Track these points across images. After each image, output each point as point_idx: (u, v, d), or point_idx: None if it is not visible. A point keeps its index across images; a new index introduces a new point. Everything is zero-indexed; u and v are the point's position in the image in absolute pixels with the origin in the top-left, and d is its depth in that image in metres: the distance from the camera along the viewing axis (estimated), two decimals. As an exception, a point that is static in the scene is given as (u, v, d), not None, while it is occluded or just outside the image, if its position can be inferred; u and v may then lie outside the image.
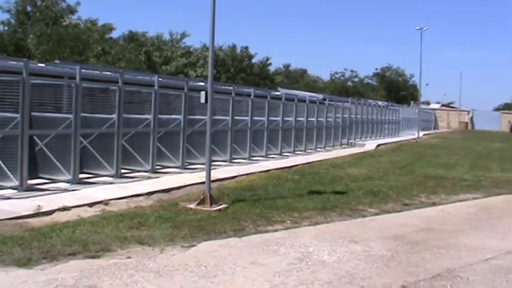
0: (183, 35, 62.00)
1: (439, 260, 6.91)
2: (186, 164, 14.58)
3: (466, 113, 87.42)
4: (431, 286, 5.87)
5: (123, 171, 12.58)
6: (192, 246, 6.98)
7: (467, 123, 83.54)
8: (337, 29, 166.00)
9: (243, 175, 13.98)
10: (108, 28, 46.11)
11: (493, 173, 17.54)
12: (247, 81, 57.97)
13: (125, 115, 12.46)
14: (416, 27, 45.53)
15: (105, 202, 9.48)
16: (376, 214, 9.83)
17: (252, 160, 17.71)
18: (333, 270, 6.26)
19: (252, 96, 18.78)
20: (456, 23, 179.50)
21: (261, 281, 5.75)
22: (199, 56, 58.96)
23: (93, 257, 6.28)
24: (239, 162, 16.73)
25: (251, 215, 8.99)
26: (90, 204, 9.21)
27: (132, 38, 54.32)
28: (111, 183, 11.42)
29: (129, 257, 6.35)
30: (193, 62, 58.42)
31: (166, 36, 60.41)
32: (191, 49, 61.70)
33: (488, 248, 7.66)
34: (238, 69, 63.06)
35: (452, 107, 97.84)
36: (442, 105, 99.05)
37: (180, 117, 14.48)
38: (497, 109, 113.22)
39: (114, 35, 50.49)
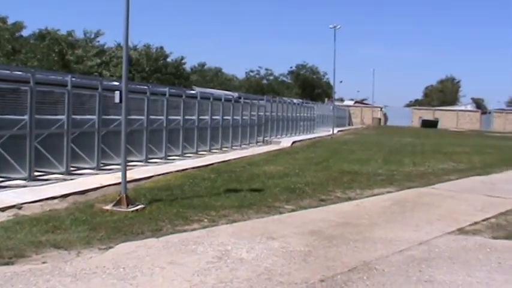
0: (97, 34, 61.04)
1: (356, 253, 7.04)
2: (102, 165, 14.32)
3: (379, 109, 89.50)
4: (348, 279, 5.97)
5: (36, 173, 12.22)
6: (110, 248, 6.85)
7: (380, 119, 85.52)
8: (252, 28, 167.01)
9: (159, 175, 13.85)
10: (19, 26, 44.84)
11: (405, 167, 18.01)
12: (162, 80, 57.52)
13: (37, 116, 12.10)
14: (330, 26, 46.25)
15: (18, 206, 9.17)
16: (293, 210, 9.92)
17: (168, 160, 17.57)
18: (251, 267, 6.27)
19: (167, 96, 18.63)
20: (369, 21, 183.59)
21: (180, 281, 5.71)
22: (113, 55, 58.14)
23: (6, 264, 6.06)
24: (155, 162, 16.57)
25: (168, 215, 8.91)
26: (2, 209, 8.89)
27: (43, 36, 53.00)
28: (24, 186, 11.08)
29: (44, 262, 6.17)
30: (107, 61, 57.56)
31: (80, 35, 59.33)
32: (105, 48, 60.79)
33: (402, 240, 7.86)
34: (153, 69, 62.49)
35: (366, 104, 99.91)
36: (356, 102, 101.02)
37: (95, 117, 14.21)
38: (408, 105, 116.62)
39: (25, 33, 49.27)
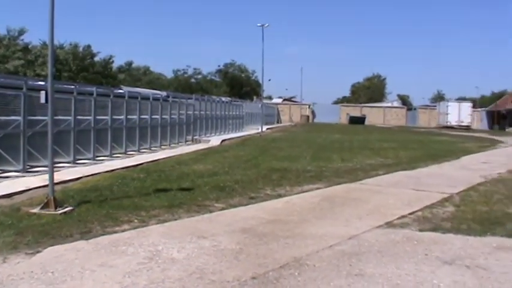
0: (21, 32, 59.53)
1: (287, 249, 7.09)
2: (28, 167, 13.97)
3: (307, 106, 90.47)
4: (280, 275, 6.01)
5: (-43, 178, 11.87)
6: (38, 252, 6.69)
7: (308, 116, 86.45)
8: (180, 26, 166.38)
9: (88, 176, 13.63)
10: None
11: (334, 164, 18.24)
12: (90, 80, 56.68)
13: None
14: (258, 24, 46.45)
15: None
16: (224, 209, 9.91)
17: (96, 160, 17.31)
18: (183, 267, 6.24)
19: (95, 95, 18.36)
20: (297, 20, 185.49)
21: (111, 283, 5.63)
22: (38, 54, 56.83)
23: None
24: (84, 163, 16.29)
25: (98, 217, 8.77)
26: None
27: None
28: None
29: (-33, 269, 5.99)
30: (32, 60, 56.23)
31: (2, 32, 57.76)
32: (30, 46, 59.37)
33: (332, 235, 7.95)
34: (80, 68, 61.47)
35: (294, 101, 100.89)
36: (284, 100, 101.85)
37: (20, 118, 13.86)
38: (336, 102, 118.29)
39: None
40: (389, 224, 8.88)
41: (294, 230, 8.23)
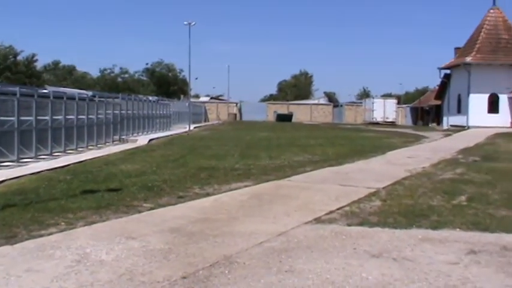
0: None
1: (216, 248, 7.08)
2: None
3: (235, 104, 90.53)
4: (210, 274, 6.00)
5: None
6: (-42, 259, 6.49)
7: (236, 114, 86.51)
8: (106, 25, 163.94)
9: (12, 179, 13.30)
10: None
11: (262, 161, 18.33)
12: (13, 80, 55.27)
13: None
14: (185, 22, 46.24)
15: None
16: (152, 209, 9.83)
17: (21, 162, 16.91)
18: (112, 269, 6.16)
19: (18, 95, 17.93)
20: (224, 18, 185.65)
21: (37, 288, 5.51)
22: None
23: None
24: (7, 166, 15.90)
25: (23, 220, 8.56)
26: None
27: None
28: None
29: None
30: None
31: None
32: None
33: (261, 232, 7.99)
34: (2, 67, 59.84)
35: (222, 100, 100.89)
36: (212, 98, 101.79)
37: None
38: (263, 100, 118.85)
39: None
40: (318, 220, 8.98)
41: (223, 228, 8.22)
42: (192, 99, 66.94)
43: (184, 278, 5.87)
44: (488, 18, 59.02)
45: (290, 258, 6.67)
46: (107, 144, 25.95)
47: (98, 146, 24.65)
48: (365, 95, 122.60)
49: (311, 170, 15.94)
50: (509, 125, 53.82)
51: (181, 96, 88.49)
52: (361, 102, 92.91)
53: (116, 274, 5.96)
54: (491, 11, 59.46)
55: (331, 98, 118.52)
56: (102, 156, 19.98)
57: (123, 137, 29.27)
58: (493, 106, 56.03)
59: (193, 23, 46.24)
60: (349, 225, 8.65)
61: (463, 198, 11.43)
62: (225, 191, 11.93)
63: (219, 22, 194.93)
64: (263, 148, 24.76)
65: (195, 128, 46.41)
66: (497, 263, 6.73)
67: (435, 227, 8.64)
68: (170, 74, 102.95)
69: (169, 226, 8.33)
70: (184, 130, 40.90)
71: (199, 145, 26.58)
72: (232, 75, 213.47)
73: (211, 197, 11.16)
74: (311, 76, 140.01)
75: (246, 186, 12.75)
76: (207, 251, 6.91)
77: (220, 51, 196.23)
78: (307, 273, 6.08)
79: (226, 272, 6.09)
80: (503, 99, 55.91)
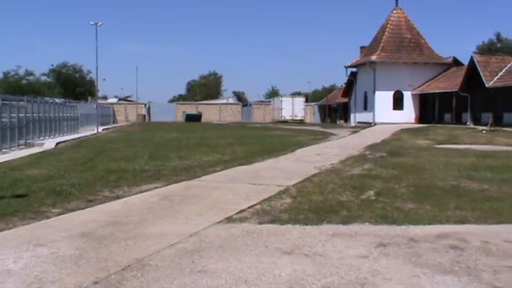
0: None
1: (128, 251, 6.98)
2: None
3: (143, 105, 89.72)
4: (122, 278, 5.91)
5: None
6: None
7: (145, 115, 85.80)
8: (9, 24, 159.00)
9: None
10: None
11: (171, 162, 18.20)
12: None
13: None
14: (91, 23, 45.35)
15: None
16: (61, 214, 9.57)
17: None
18: (20, 278, 5.96)
19: None
20: (132, 18, 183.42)
21: None
22: None
23: None
24: None
25: None
26: None
27: None
28: None
29: None
30: None
31: None
32: None
33: (173, 233, 7.93)
34: None
35: (130, 101, 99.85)
36: (120, 100, 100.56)
37: None
38: (172, 100, 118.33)
39: None
40: (229, 219, 8.99)
41: (135, 231, 8.12)
42: (100, 101, 65.80)
43: (95, 283, 5.75)
44: (392, 18, 60.92)
45: (203, 258, 6.65)
46: (12, 148, 25.14)
47: (3, 150, 23.84)
48: (274, 93, 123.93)
49: (221, 170, 15.95)
50: (413, 121, 55.70)
51: (89, 98, 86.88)
52: (269, 101, 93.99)
53: (24, 283, 5.78)
54: (395, 11, 61.42)
55: (240, 97, 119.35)
56: (6, 161, 19.34)
57: (29, 141, 28.42)
58: (398, 103, 57.91)
59: (100, 23, 45.44)
60: (260, 223, 8.70)
61: (371, 193, 11.70)
62: (135, 193, 11.77)
63: (127, 23, 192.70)
64: (173, 149, 24.61)
65: (103, 130, 45.68)
66: (405, 254, 6.93)
67: (345, 222, 8.80)
68: (77, 76, 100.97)
69: (79, 231, 8.15)
70: (93, 132, 40.18)
71: (108, 147, 26.15)
72: (141, 76, 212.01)
73: (121, 200, 10.99)
74: (220, 76, 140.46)
75: (156, 187, 12.62)
76: (118, 255, 6.80)
77: (128, 51, 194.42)
78: (220, 273, 6.08)
79: (139, 275, 6.01)
80: (407, 96, 57.87)
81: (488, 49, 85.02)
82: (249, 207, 9.93)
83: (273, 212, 9.61)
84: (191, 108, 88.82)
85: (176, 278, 5.93)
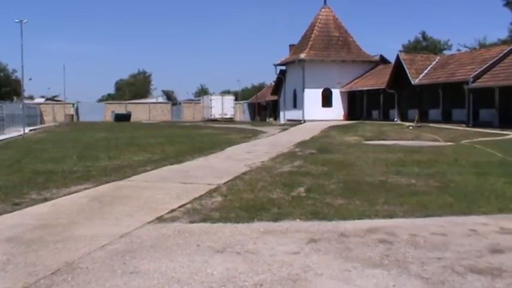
0: None
1: (57, 255, 6.85)
2: None
3: (72, 105, 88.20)
4: (52, 282, 5.80)
5: None
6: None
7: (73, 115, 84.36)
8: None
9: None
10: None
11: (101, 162, 17.95)
12: None
13: None
14: (16, 20, 44.23)
15: None
16: (-14, 218, 9.33)
17: None
18: None
19: None
20: (58, 17, 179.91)
21: None
22: None
23: None
24: None
25: None
26: None
27: None
28: None
29: None
30: None
31: None
32: None
33: (103, 235, 7.82)
34: None
35: (58, 101, 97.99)
36: (47, 99, 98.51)
37: None
38: (101, 100, 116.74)
39: None
40: (160, 219, 8.93)
41: (64, 234, 7.97)
42: (26, 101, 64.29)
43: (24, 288, 5.64)
44: (320, 16, 61.70)
45: (134, 259, 6.59)
46: None
47: None
48: (203, 92, 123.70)
49: (151, 169, 15.82)
50: (342, 118, 56.52)
51: (15, 98, 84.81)
52: (199, 100, 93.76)
53: None
54: (323, 10, 62.23)
55: (169, 96, 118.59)
56: None
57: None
58: (327, 100, 58.69)
59: (25, 20, 44.37)
60: (191, 222, 8.68)
61: (301, 189, 11.83)
62: (64, 195, 11.55)
63: (54, 21, 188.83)
64: (102, 149, 24.26)
65: (30, 130, 44.66)
66: (336, 249, 7.04)
67: (276, 219, 8.87)
68: (2, 75, 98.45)
69: (6, 235, 7.94)
70: (19, 133, 39.21)
71: (36, 148, 25.56)
72: (69, 75, 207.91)
73: (50, 202, 10.76)
74: (149, 75, 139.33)
75: (86, 188, 12.42)
76: (47, 259, 6.66)
77: (55, 50, 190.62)
78: (152, 273, 6.04)
79: (69, 278, 5.91)
80: (335, 93, 58.70)
81: (414, 47, 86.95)
82: (180, 207, 9.89)
83: (204, 210, 9.60)
84: (120, 108, 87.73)
85: (108, 280, 5.86)
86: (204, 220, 8.81)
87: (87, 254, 6.83)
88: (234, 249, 7.04)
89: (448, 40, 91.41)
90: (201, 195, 11.07)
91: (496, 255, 6.87)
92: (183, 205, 10.04)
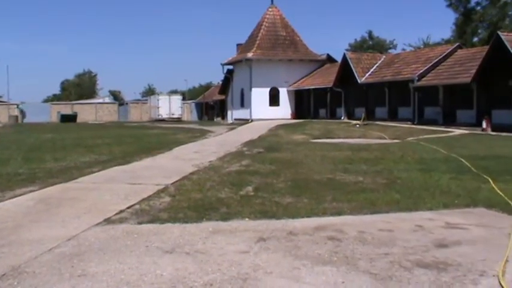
0: None
1: (3, 259, 6.71)
2: None
3: (16, 106, 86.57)
4: (-3, 288, 5.70)
5: None
6: None
7: (17, 116, 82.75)
8: None
9: None
10: None
11: (47, 164, 17.66)
12: None
13: None
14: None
15: None
16: None
17: None
18: None
19: None
20: (0, 14, 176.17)
21: None
22: None
23: None
24: None
25: None
26: None
27: None
28: None
29: None
30: None
31: None
32: None
33: (51, 238, 7.70)
34: None
35: (1, 102, 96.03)
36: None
37: None
38: (46, 100, 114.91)
39: None
40: (108, 220, 8.84)
41: (9, 238, 7.82)
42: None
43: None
44: (267, 16, 61.97)
45: (82, 262, 6.51)
46: None
47: None
48: (150, 92, 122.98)
49: (99, 171, 15.64)
50: (289, 117, 56.85)
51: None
52: (146, 100, 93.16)
53: None
54: (270, 9, 62.54)
55: (116, 96, 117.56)
56: None
57: None
58: (274, 99, 58.99)
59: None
60: (140, 223, 8.62)
61: (250, 188, 11.87)
62: (9, 198, 11.30)
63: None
64: (48, 150, 23.84)
65: (-28, 133, 43.70)
66: (285, 247, 7.08)
67: (225, 218, 8.88)
68: None
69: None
70: (-40, 136, 38.37)
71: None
72: (13, 76, 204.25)
73: (-6, 205, 10.55)
74: (95, 75, 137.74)
75: (31, 191, 12.19)
76: (-8, 263, 6.54)
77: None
78: (101, 276, 5.98)
79: (15, 283, 5.80)
80: (283, 92, 59.02)
81: (360, 46, 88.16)
82: (128, 208, 9.81)
83: (153, 211, 9.54)
84: (66, 108, 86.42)
85: (55, 283, 5.78)
86: (152, 221, 8.76)
87: (33, 258, 6.71)
88: (183, 249, 7.02)
89: (394, 39, 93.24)
90: (149, 196, 11.00)
91: (442, 249, 7.02)
92: (131, 206, 9.96)
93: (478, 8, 67.99)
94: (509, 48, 33.23)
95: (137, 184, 12.81)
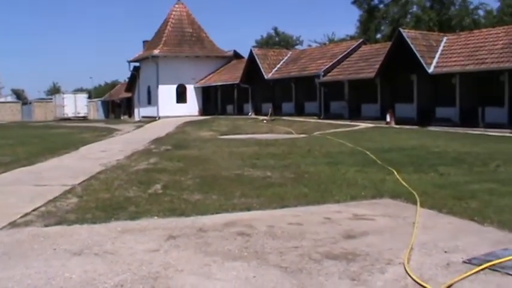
0: None
1: None
2: None
3: None
4: None
5: None
6: None
7: None
8: None
9: None
10: None
11: None
12: None
13: None
14: None
15: None
16: None
17: None
18: None
19: None
20: None
21: None
22: None
23: None
24: None
25: None
26: None
27: None
28: None
29: None
30: None
31: None
32: None
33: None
34: None
35: None
36: None
37: None
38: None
39: None
40: (13, 224, 8.59)
41: None
42: None
43: None
44: (174, 12, 61.68)
45: (-14, 267, 6.32)
46: None
47: None
48: (55, 90, 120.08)
49: (2, 172, 15.15)
50: (197, 113, 56.82)
51: None
52: (51, 99, 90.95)
53: None
54: (176, 6, 62.33)
55: (19, 95, 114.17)
56: None
57: None
58: (181, 96, 58.82)
59: None
60: (46, 225, 8.43)
61: (158, 186, 11.82)
62: None
63: None
64: None
65: None
66: (195, 244, 7.10)
67: (134, 217, 8.82)
68: None
69: None
70: None
71: None
72: None
73: None
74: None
75: None
76: None
77: None
78: (6, 282, 5.81)
79: None
80: (190, 89, 58.93)
81: (266, 43, 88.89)
82: (33, 210, 9.56)
83: (59, 213, 9.35)
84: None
85: (-39, 292, 5.60)
86: (59, 223, 8.58)
87: None
88: (92, 250, 6.92)
89: (300, 36, 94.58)
90: (56, 197, 10.76)
91: (350, 240, 7.22)
92: (37, 208, 9.72)
93: (381, 5, 69.78)
94: (410, 44, 34.43)
95: (43, 185, 12.51)
